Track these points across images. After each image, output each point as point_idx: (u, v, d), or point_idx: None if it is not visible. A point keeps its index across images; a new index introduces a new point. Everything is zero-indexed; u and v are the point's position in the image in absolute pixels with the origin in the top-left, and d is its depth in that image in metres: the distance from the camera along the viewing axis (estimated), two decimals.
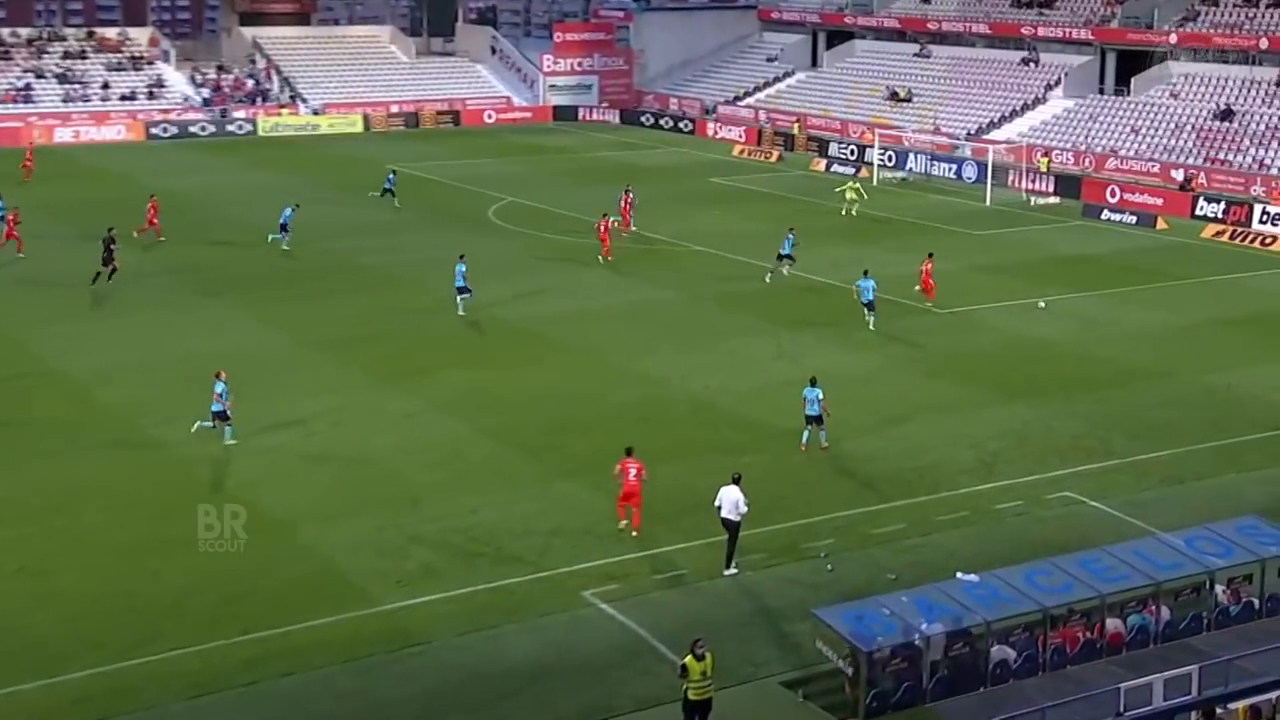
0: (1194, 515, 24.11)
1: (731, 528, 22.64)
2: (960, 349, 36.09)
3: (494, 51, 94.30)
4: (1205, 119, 65.69)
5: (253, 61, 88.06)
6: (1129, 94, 71.30)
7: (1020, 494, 25.99)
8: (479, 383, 32.60)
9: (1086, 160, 64.92)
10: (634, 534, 23.91)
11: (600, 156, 74.65)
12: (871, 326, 37.24)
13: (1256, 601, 20.70)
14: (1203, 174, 60.59)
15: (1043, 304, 40.81)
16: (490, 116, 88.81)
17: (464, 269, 39.07)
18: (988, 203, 59.57)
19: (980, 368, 34.33)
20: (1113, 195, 59.18)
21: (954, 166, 66.58)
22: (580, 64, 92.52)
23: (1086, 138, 67.17)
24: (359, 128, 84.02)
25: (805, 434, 28.24)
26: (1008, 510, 25.30)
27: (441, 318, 38.85)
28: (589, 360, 34.60)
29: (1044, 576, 19.97)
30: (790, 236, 44.10)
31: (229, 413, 27.82)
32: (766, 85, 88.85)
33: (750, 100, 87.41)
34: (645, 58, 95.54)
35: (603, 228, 46.72)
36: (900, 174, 67.13)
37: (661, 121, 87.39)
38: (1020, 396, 31.92)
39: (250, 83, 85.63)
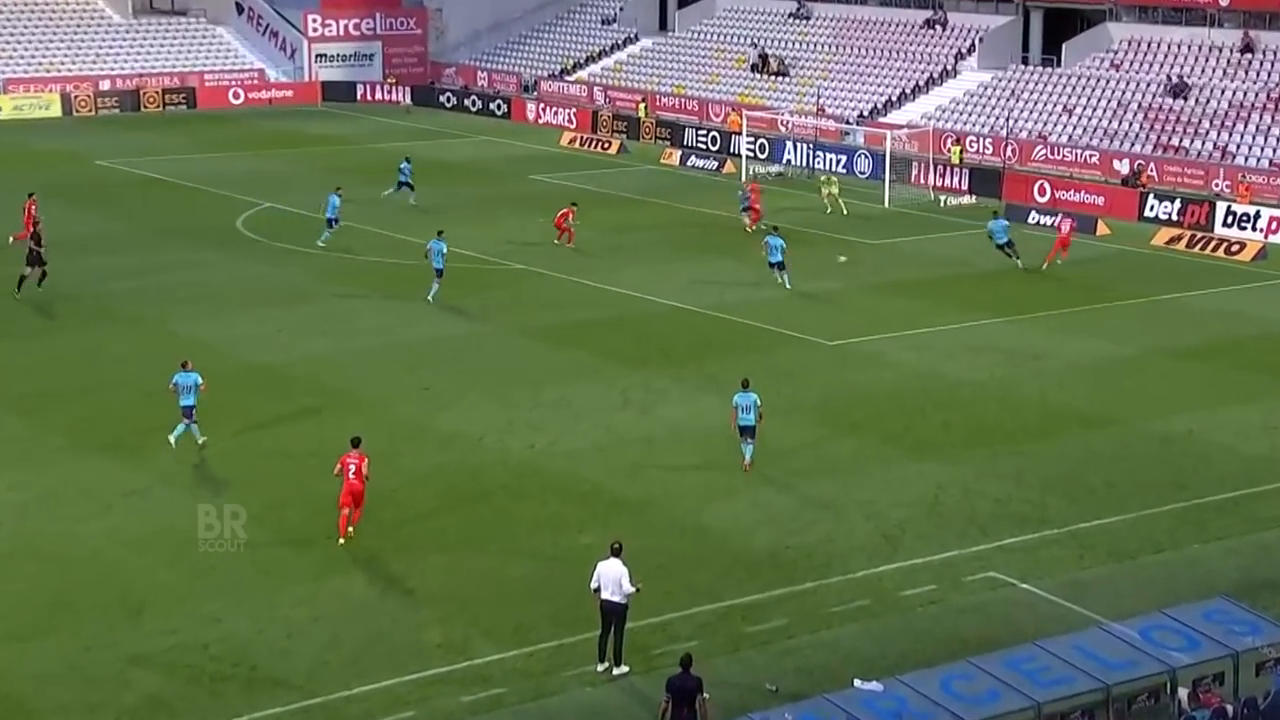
0: (1149, 598, 24.79)
1: (616, 613, 22.79)
2: (854, 391, 36.70)
3: (241, 10, 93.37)
4: (1155, 95, 68.17)
5: None
6: (1060, 64, 73.64)
7: (933, 576, 26.46)
8: (226, 447, 32.07)
9: (1009, 149, 66.78)
10: (340, 540, 26.87)
11: (386, 149, 74.25)
12: (788, 286, 44.85)
13: (1230, 707, 21.29)
14: (1153, 165, 62.83)
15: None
16: (237, 96, 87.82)
17: (444, 248, 43.39)
18: (886, 204, 60.87)
19: (880, 415, 34.96)
20: (1042, 193, 60.99)
21: (843, 158, 67.90)
22: (358, 26, 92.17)
23: (1008, 120, 69.11)
24: (56, 111, 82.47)
25: (744, 448, 30.58)
26: (917, 597, 25.72)
27: (173, 362, 38.11)
28: (375, 415, 34.25)
29: (964, 682, 20.28)
30: (1003, 220, 50.22)
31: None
32: (603, 55, 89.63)
33: (582, 74, 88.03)
34: (444, 19, 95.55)
35: (569, 217, 51.01)
36: (775, 168, 68.23)
37: (467, 102, 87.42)
38: (931, 451, 32.56)
39: None
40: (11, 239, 47.87)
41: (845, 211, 58.02)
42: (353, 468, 27.04)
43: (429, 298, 43.43)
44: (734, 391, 31.18)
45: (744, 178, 65.71)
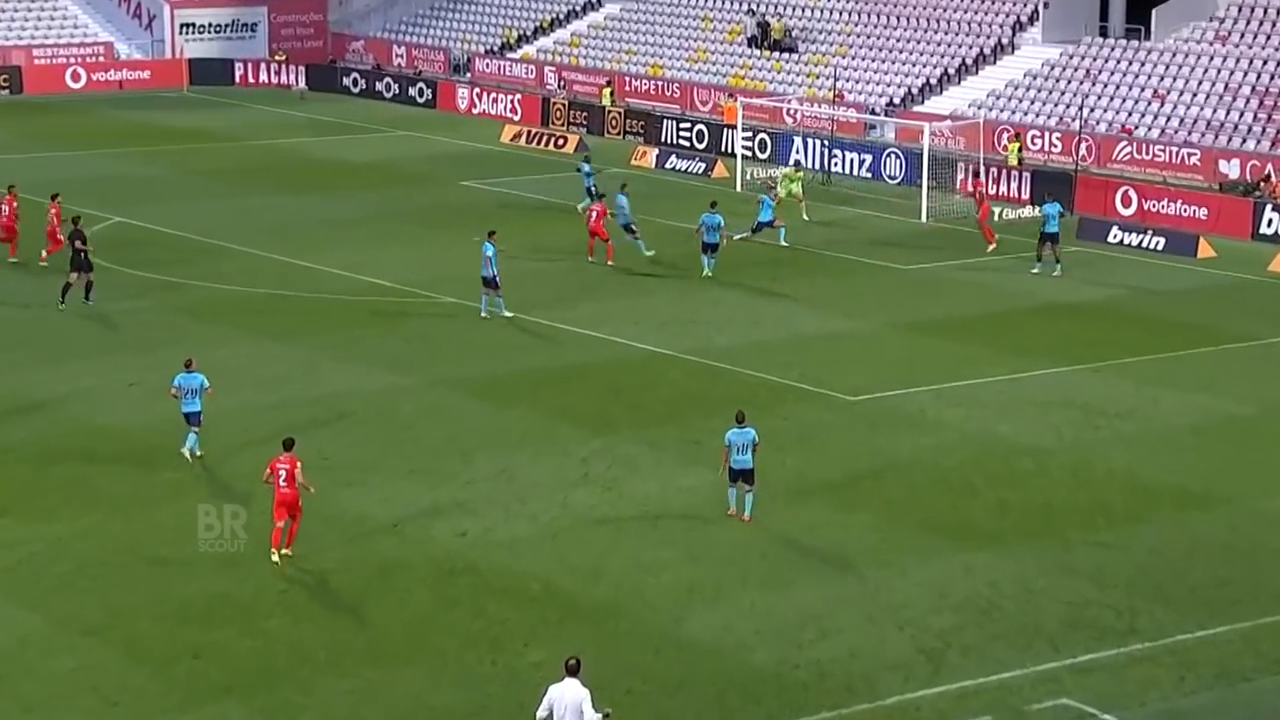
0: None
1: None
2: (883, 461, 36.73)
3: None
4: (1272, 75, 68.44)
5: None
6: (1149, 36, 73.91)
7: (987, 703, 26.42)
8: (58, 541, 31.93)
9: (1082, 146, 67.07)
10: (286, 553, 30.27)
11: (274, 146, 74.40)
12: (708, 272, 51.18)
13: None
14: (1270, 166, 63.06)
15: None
16: (77, 78, 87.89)
17: (493, 251, 46.36)
18: (923, 218, 61.10)
19: (916, 492, 34.98)
20: (1125, 203, 61.22)
21: (868, 158, 68.25)
22: None
23: (1082, 110, 69.39)
24: None
25: (732, 494, 32.51)
26: None
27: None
28: (257, 494, 34.05)
29: None
30: (1057, 204, 53.50)
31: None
32: (555, 25, 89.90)
33: (529, 50, 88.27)
34: None
35: (595, 215, 52.55)
36: (779, 171, 68.31)
37: (379, 86, 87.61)
38: (983, 540, 32.57)
39: None
40: (43, 256, 51.46)
41: (807, 217, 59.48)
42: (283, 473, 30.05)
43: (483, 313, 46.83)
44: (718, 465, 31.24)
45: (739, 185, 65.86)
